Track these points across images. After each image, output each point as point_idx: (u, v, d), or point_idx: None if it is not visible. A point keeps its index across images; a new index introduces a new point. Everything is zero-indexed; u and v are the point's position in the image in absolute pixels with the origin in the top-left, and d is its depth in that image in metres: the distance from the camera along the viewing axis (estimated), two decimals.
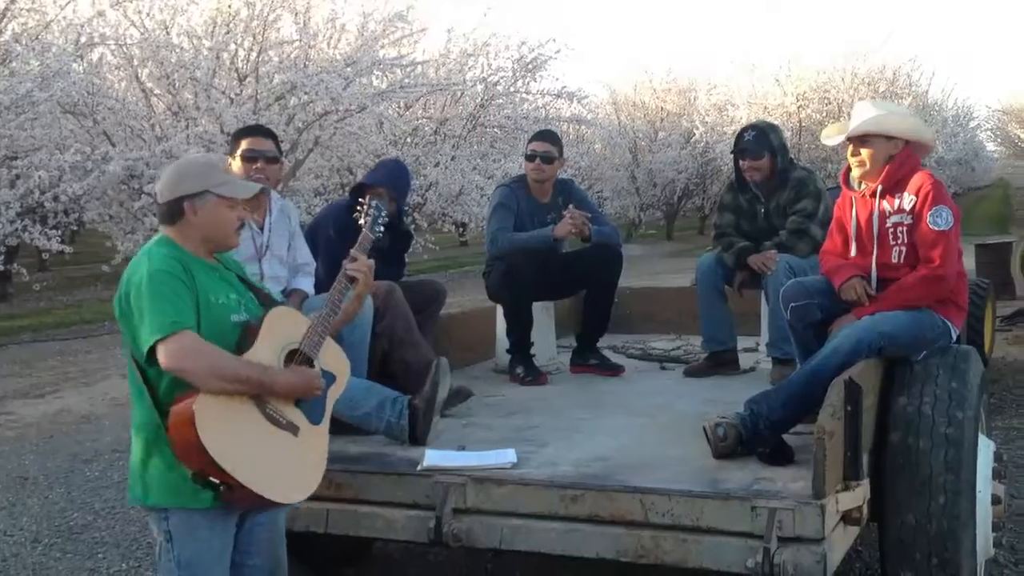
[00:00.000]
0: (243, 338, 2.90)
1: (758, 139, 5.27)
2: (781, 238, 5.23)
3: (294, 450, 2.89)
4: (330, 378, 3.05)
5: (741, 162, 5.34)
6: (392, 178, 5.03)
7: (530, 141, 5.60)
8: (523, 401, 4.76)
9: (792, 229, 5.21)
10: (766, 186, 5.34)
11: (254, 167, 4.28)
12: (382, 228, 3.50)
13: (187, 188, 2.94)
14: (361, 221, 3.46)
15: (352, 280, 3.25)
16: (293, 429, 2.89)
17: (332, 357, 3.10)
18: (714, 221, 5.72)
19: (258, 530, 3.04)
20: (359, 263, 3.27)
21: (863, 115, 4.12)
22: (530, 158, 5.48)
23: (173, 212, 2.94)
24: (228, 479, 2.69)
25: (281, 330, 2.96)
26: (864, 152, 4.09)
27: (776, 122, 14.24)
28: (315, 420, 2.98)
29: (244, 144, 4.33)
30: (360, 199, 3.55)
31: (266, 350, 2.88)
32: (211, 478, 2.70)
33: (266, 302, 3.09)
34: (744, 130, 5.42)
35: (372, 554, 4.80)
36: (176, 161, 3.13)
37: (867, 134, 4.08)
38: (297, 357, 2.95)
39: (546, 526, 3.15)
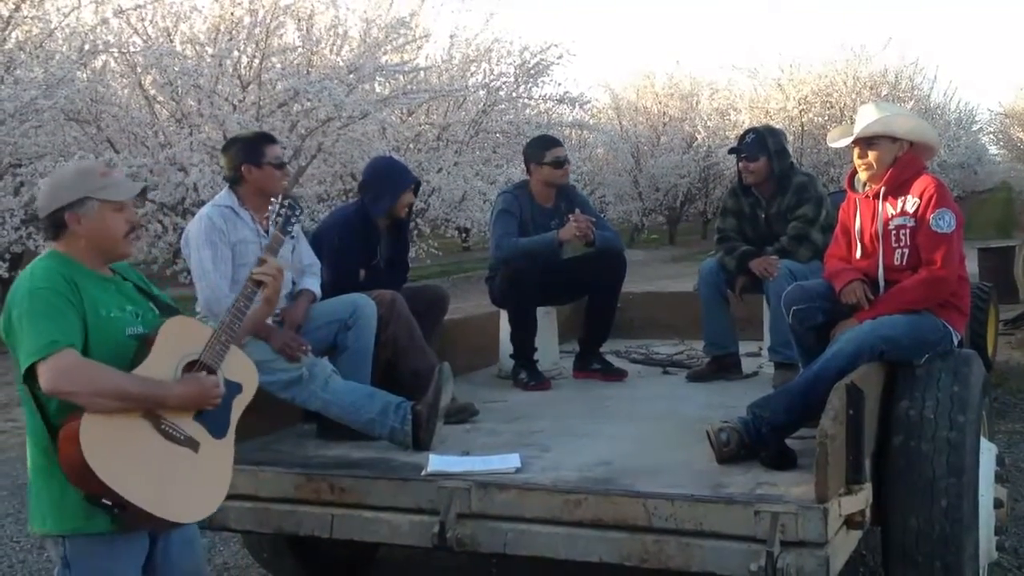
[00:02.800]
0: (139, 351, 2.78)
1: (756, 142, 5.33)
2: (782, 243, 5.25)
3: (194, 466, 2.76)
4: (235, 388, 2.92)
5: (739, 163, 5.39)
6: (399, 184, 5.04)
7: (548, 148, 5.57)
8: (526, 406, 4.77)
9: (793, 235, 5.23)
10: (767, 190, 5.37)
11: (280, 173, 4.35)
12: (292, 229, 3.41)
13: (65, 197, 2.79)
14: (272, 221, 3.38)
15: (259, 284, 3.14)
16: (192, 444, 2.77)
17: (238, 366, 2.96)
18: (716, 225, 5.75)
19: (174, 550, 2.91)
20: (267, 266, 3.16)
21: (868, 117, 4.13)
22: (558, 164, 5.49)
23: (56, 225, 2.80)
24: (119, 500, 2.58)
25: (179, 341, 2.83)
26: (871, 155, 4.10)
27: (778, 126, 14.28)
28: (217, 433, 2.85)
29: (272, 151, 4.34)
30: (273, 198, 3.45)
31: (161, 362, 2.76)
32: (104, 500, 2.59)
33: (167, 312, 2.96)
34: (746, 132, 5.49)
35: (376, 559, 4.82)
36: (48, 175, 2.97)
37: (873, 136, 4.09)
38: (196, 368, 2.82)
39: (550, 531, 3.15)
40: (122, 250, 2.89)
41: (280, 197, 3.44)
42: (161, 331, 2.80)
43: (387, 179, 5.02)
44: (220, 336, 2.91)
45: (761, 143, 5.31)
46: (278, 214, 3.38)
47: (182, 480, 2.74)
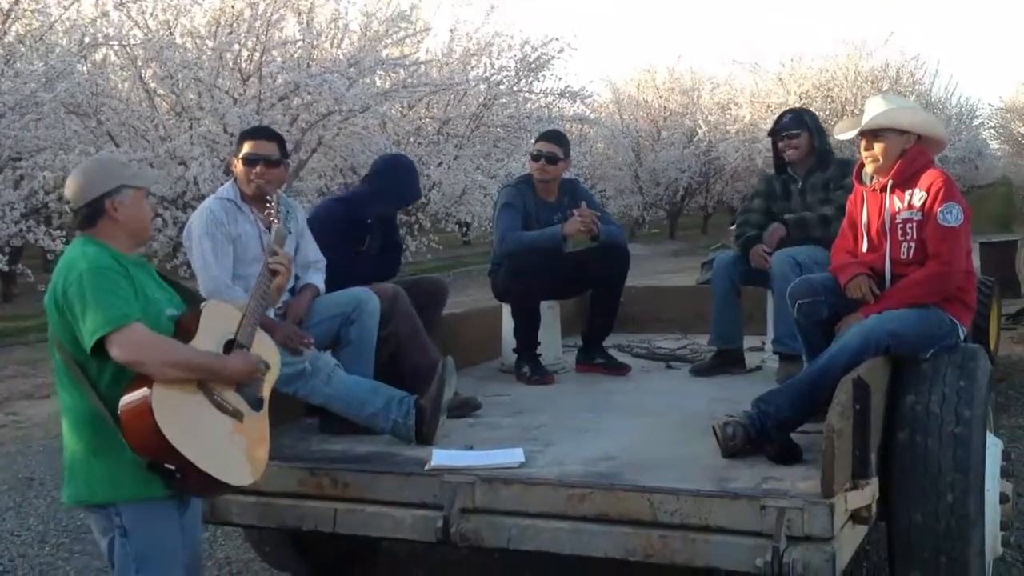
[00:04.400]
0: (177, 332, 2.94)
1: (795, 119, 5.36)
2: (805, 216, 5.20)
3: (240, 435, 2.96)
4: (263, 365, 3.11)
5: (779, 143, 5.35)
6: (403, 198, 5.19)
7: (536, 140, 5.60)
8: (530, 400, 4.76)
9: (821, 215, 5.17)
10: (804, 167, 5.33)
11: (254, 171, 4.27)
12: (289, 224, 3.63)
13: (104, 186, 2.96)
14: (273, 219, 3.61)
15: (274, 273, 3.36)
16: (238, 415, 2.95)
17: (264, 346, 3.16)
18: (740, 209, 5.71)
19: (188, 522, 3.06)
20: (280, 257, 3.39)
21: (875, 109, 4.11)
22: (535, 158, 5.47)
23: (94, 213, 2.96)
24: (185, 464, 2.73)
25: (218, 322, 3.02)
26: (877, 147, 4.08)
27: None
28: (256, 407, 3.04)
29: (246, 147, 4.32)
30: (268, 198, 3.71)
31: (208, 341, 2.95)
32: (167, 465, 2.75)
33: (188, 297, 3.16)
34: (783, 114, 5.50)
35: (378, 554, 4.81)
36: (75, 168, 3.13)
37: (880, 128, 4.07)
38: (235, 347, 3.01)
39: (554, 526, 3.14)
40: (149, 234, 3.11)
41: (275, 197, 3.66)
42: (204, 313, 3.00)
43: (396, 188, 5.06)
44: (249, 319, 3.11)
45: (800, 120, 5.33)
46: (277, 211, 3.58)
47: (233, 447, 2.93)
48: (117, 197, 2.96)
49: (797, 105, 26.67)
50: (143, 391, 2.75)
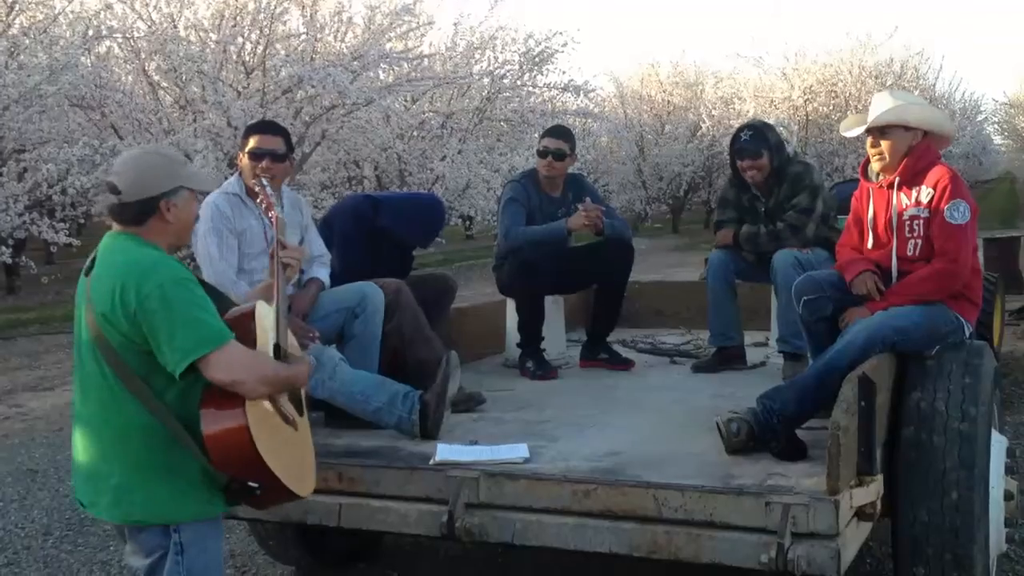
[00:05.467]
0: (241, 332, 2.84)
1: (755, 138, 5.23)
2: (778, 228, 5.21)
3: (298, 443, 2.93)
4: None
5: (739, 162, 5.30)
6: (426, 233, 5.28)
7: (542, 137, 5.58)
8: (534, 395, 4.75)
9: (790, 224, 5.18)
10: (764, 185, 5.31)
11: (260, 165, 4.28)
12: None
13: (162, 185, 2.78)
14: (267, 206, 3.58)
15: (287, 267, 3.29)
16: (294, 424, 2.90)
17: (295, 348, 3.11)
18: (716, 217, 5.71)
19: None
20: (291, 250, 3.35)
21: (882, 106, 4.09)
22: (542, 154, 5.46)
23: (146, 211, 2.77)
24: (272, 481, 2.69)
25: (264, 326, 2.93)
26: (884, 144, 4.07)
27: (783, 115, 14.22)
28: (301, 412, 3.00)
29: (252, 142, 4.32)
30: (258, 186, 3.67)
31: (265, 343, 2.88)
32: (250, 483, 2.69)
33: (215, 296, 2.99)
34: (740, 130, 5.36)
35: (382, 548, 4.81)
36: (130, 156, 2.92)
37: (887, 125, 4.05)
38: (283, 354, 2.92)
39: (558, 521, 3.14)
40: (189, 238, 3.05)
41: (260, 179, 3.65)
42: (257, 318, 2.88)
43: (429, 223, 5.25)
44: (281, 321, 3.00)
45: (761, 139, 5.24)
46: (268, 198, 3.55)
47: (297, 457, 2.91)
48: (174, 198, 2.79)
49: (800, 101, 26.81)
50: (235, 410, 2.64)
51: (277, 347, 2.92)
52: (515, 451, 3.54)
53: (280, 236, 3.31)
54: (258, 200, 3.75)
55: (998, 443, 3.81)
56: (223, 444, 2.65)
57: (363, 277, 4.50)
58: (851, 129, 4.29)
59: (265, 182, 3.73)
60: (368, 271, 4.62)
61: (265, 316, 2.93)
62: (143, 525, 2.76)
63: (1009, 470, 3.93)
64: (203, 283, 3.00)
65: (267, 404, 2.76)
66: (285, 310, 3.07)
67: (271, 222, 4.34)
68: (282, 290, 3.12)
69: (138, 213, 2.77)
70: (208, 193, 3.00)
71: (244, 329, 2.80)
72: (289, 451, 2.84)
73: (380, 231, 4.97)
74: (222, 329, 2.68)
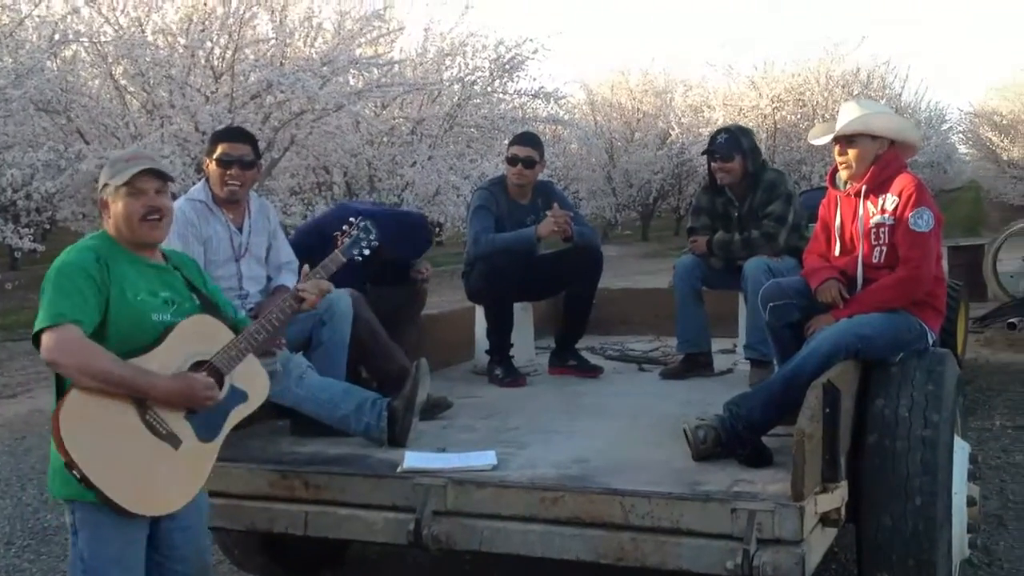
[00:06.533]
0: (159, 339, 2.88)
1: (729, 142, 5.32)
2: (752, 235, 5.26)
3: (169, 462, 2.83)
4: (239, 396, 2.99)
5: (712, 163, 5.38)
6: (412, 252, 5.18)
7: (511, 144, 5.59)
8: (502, 403, 4.76)
9: (764, 232, 5.23)
10: (739, 190, 5.37)
11: (228, 172, 4.26)
12: (360, 253, 3.46)
13: (101, 182, 2.99)
14: (341, 243, 3.46)
15: (301, 301, 3.25)
16: (173, 441, 2.83)
17: (250, 376, 3.03)
18: (688, 224, 5.75)
19: (177, 535, 2.96)
20: (312, 284, 3.29)
21: (849, 115, 4.14)
22: (511, 162, 5.46)
23: (100, 206, 3.00)
24: (83, 478, 2.68)
25: (193, 339, 2.91)
26: (851, 152, 4.11)
27: (751, 124, 14.34)
28: (205, 436, 2.91)
29: (220, 149, 4.30)
30: (352, 219, 3.52)
31: (168, 356, 2.85)
32: (73, 471, 2.70)
33: (207, 310, 3.04)
34: (717, 132, 5.47)
35: (349, 556, 4.79)
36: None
37: (853, 134, 4.10)
38: (203, 369, 2.89)
39: (526, 528, 3.15)
40: (140, 234, 2.95)
41: (359, 219, 3.50)
42: (178, 326, 2.90)
43: (414, 242, 5.14)
44: (239, 343, 2.98)
45: (734, 143, 5.31)
46: (347, 234, 3.43)
47: (151, 473, 2.80)
48: (106, 195, 2.95)
49: (769, 109, 26.99)
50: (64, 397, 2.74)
51: (203, 363, 2.88)
52: (483, 458, 3.54)
53: (318, 269, 3.35)
54: (340, 234, 3.57)
55: (961, 449, 3.85)
56: (52, 424, 2.71)
57: (356, 285, 4.49)
58: (819, 137, 4.33)
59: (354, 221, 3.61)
60: (362, 282, 4.61)
61: (198, 333, 2.93)
62: (61, 500, 2.87)
63: (972, 476, 3.96)
64: (198, 291, 3.06)
65: (125, 404, 2.76)
66: (254, 336, 3.02)
67: (238, 230, 4.33)
68: (274, 320, 3.11)
69: (100, 209, 3.01)
70: (133, 188, 2.90)
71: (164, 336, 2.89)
72: (134, 460, 2.77)
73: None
74: (64, 312, 2.74)
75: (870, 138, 4.10)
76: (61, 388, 2.81)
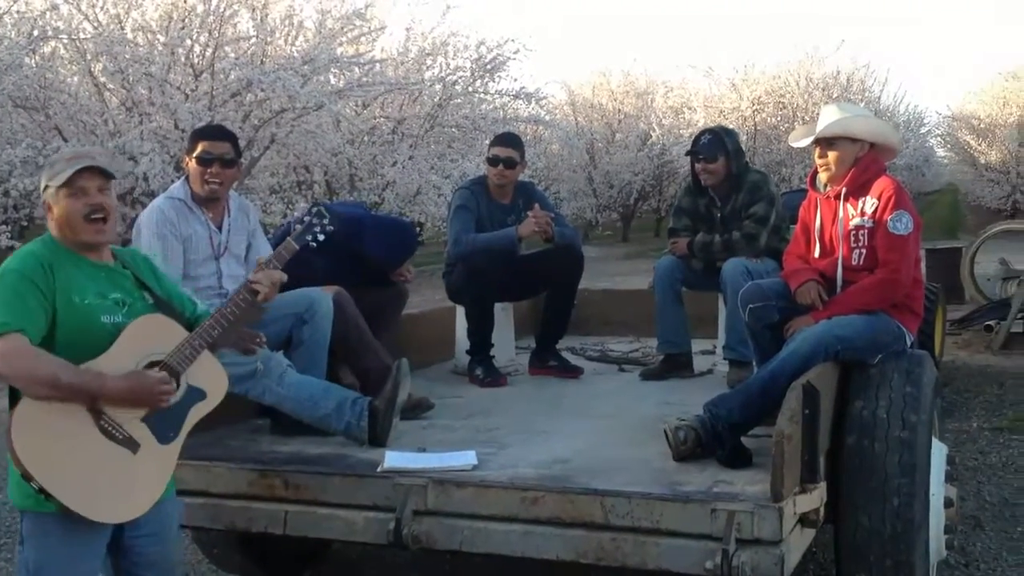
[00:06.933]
0: (110, 343, 2.79)
1: (713, 142, 5.35)
2: (733, 237, 5.28)
3: (128, 467, 2.75)
4: (197, 394, 2.91)
5: (696, 164, 5.41)
6: (398, 257, 5.13)
7: (492, 145, 5.59)
8: (483, 403, 4.76)
9: (745, 233, 5.26)
10: (722, 190, 5.39)
11: (208, 170, 4.23)
12: (315, 239, 3.34)
13: (42, 184, 2.91)
14: (292, 228, 3.33)
15: (255, 293, 3.14)
16: (132, 445, 2.76)
17: (207, 373, 2.95)
18: (670, 225, 5.77)
19: (143, 541, 2.88)
20: (265, 274, 3.18)
21: (829, 118, 4.16)
22: (492, 163, 5.46)
23: (45, 210, 2.92)
24: (40, 488, 2.62)
25: (146, 340, 2.83)
26: (831, 155, 4.14)
27: (731, 125, 14.41)
28: (164, 438, 2.83)
29: (200, 147, 4.28)
30: (316, 205, 3.42)
31: (120, 358, 2.77)
32: (31, 483, 2.63)
33: (161, 308, 2.95)
34: (701, 133, 5.50)
35: (329, 556, 4.78)
36: None
37: (833, 136, 4.12)
38: (159, 368, 2.82)
39: (506, 528, 3.14)
40: (84, 235, 2.86)
41: (312, 205, 3.37)
42: (129, 327, 2.82)
43: (398, 250, 5.12)
44: (193, 340, 2.90)
45: (718, 143, 5.34)
46: (300, 221, 3.30)
47: (111, 479, 2.73)
48: (46, 196, 2.89)
49: (749, 111, 27.11)
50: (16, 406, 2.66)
51: (157, 363, 2.82)
52: (463, 458, 3.54)
53: (271, 259, 3.24)
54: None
55: (938, 451, 3.87)
56: (7, 437, 2.64)
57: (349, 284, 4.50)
58: (799, 140, 4.35)
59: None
60: (352, 281, 4.60)
61: (151, 332, 2.85)
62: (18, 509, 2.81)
63: (949, 477, 3.99)
64: (150, 290, 2.97)
65: (78, 411, 2.68)
66: (208, 333, 2.94)
67: (217, 229, 4.31)
68: (228, 315, 3.01)
69: (45, 212, 2.94)
70: (73, 187, 2.81)
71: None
72: (91, 467, 2.69)
73: (364, 254, 4.94)
74: (6, 322, 2.67)
75: (850, 141, 4.12)
76: (15, 398, 2.72)
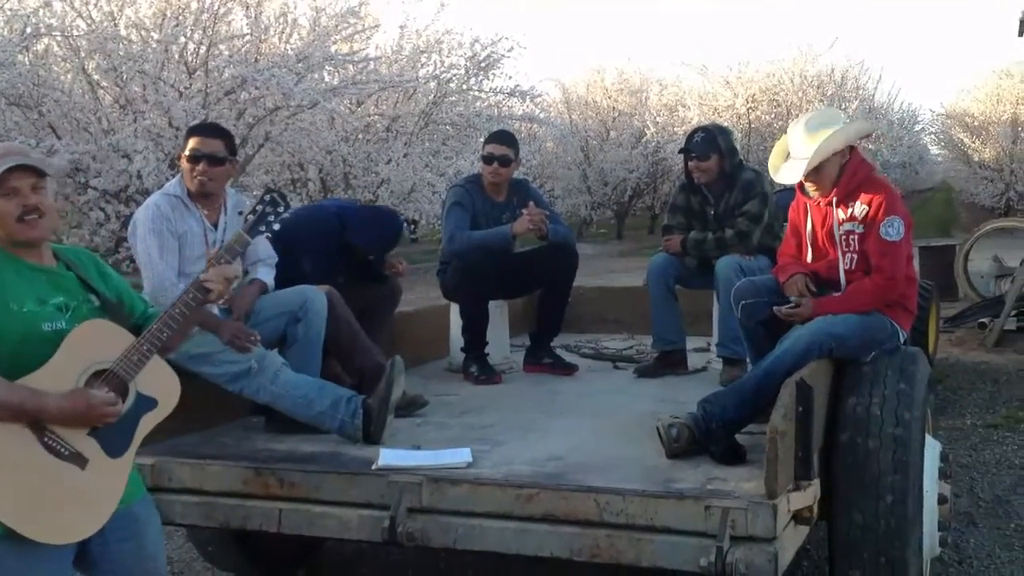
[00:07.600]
0: (55, 350, 2.60)
1: (706, 141, 5.35)
2: (726, 235, 5.29)
3: (77, 484, 2.57)
4: (147, 403, 2.71)
5: (689, 162, 5.41)
6: (381, 244, 5.08)
7: (487, 143, 5.59)
8: (477, 400, 4.76)
9: (738, 230, 5.26)
10: (716, 188, 5.40)
11: (197, 167, 4.22)
12: (270, 229, 3.10)
13: None
14: (244, 219, 3.11)
15: (206, 291, 2.89)
16: (79, 461, 2.57)
17: (157, 379, 2.74)
18: (664, 222, 5.78)
19: (114, 549, 2.71)
20: (215, 271, 2.92)
21: (807, 147, 4.06)
22: (487, 160, 5.47)
23: None
24: None
25: (90, 347, 2.62)
26: (818, 176, 4.11)
27: (726, 123, 14.42)
28: (114, 451, 2.63)
29: (191, 143, 4.27)
30: (269, 192, 3.15)
31: (63, 368, 2.57)
32: None
33: (109, 310, 2.75)
34: (694, 131, 5.50)
35: (323, 554, 4.78)
36: None
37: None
38: (105, 378, 2.62)
39: (501, 525, 3.14)
40: (19, 235, 2.65)
41: (265, 193, 3.13)
42: (70, 335, 2.62)
43: (383, 239, 5.07)
44: (141, 345, 2.69)
45: (711, 142, 5.34)
46: (252, 211, 3.09)
47: (58, 497, 2.55)
48: None
49: (743, 109, 27.13)
50: None
51: (103, 372, 2.62)
52: (458, 456, 3.54)
53: (222, 253, 3.02)
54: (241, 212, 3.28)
55: (932, 448, 3.88)
56: None
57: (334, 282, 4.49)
58: (784, 175, 4.21)
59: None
60: (340, 279, 4.60)
61: (96, 339, 2.65)
62: None
63: (943, 474, 4.00)
64: (97, 292, 2.79)
65: (18, 428, 2.50)
66: (157, 336, 2.71)
67: (213, 226, 4.31)
68: (177, 314, 2.79)
69: None
70: (16, 188, 2.60)
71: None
72: (33, 486, 2.51)
73: (347, 246, 4.94)
74: None
75: (831, 155, 4.09)
76: None
